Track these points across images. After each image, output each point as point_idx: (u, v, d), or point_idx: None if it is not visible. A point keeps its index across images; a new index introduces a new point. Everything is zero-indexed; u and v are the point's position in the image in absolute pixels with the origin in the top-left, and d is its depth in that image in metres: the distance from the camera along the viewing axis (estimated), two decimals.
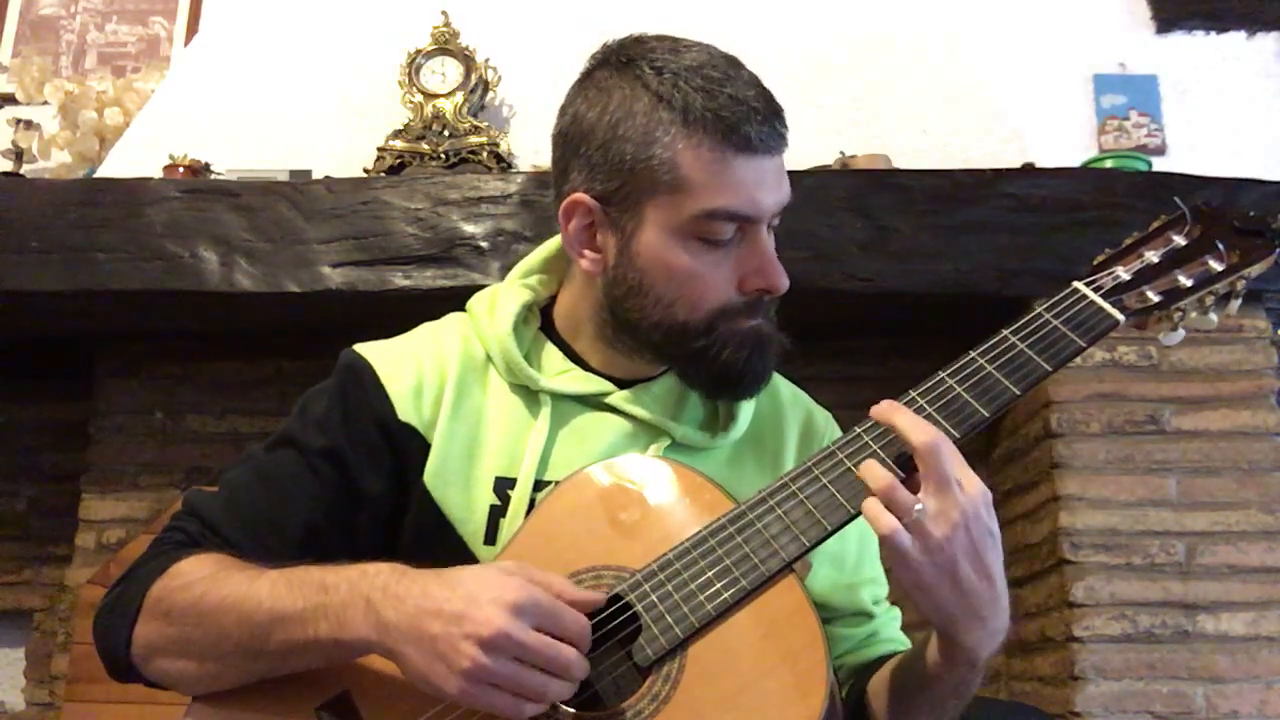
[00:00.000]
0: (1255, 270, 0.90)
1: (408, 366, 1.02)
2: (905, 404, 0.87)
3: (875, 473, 0.82)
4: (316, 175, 2.43)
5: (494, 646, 0.76)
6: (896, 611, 1.10)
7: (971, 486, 0.80)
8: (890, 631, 1.07)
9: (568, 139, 0.99)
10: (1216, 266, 0.89)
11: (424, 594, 0.80)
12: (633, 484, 0.92)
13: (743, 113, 0.91)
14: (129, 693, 0.95)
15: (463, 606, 0.77)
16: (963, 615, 0.81)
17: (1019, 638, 2.31)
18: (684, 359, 0.98)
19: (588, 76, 0.99)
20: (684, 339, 0.96)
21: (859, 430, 0.88)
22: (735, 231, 0.94)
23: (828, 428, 1.12)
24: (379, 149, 2.53)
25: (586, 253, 0.99)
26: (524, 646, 0.76)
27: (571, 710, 0.82)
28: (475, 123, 2.55)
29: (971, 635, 0.82)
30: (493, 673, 0.76)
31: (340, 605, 0.82)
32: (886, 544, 0.79)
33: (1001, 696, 2.34)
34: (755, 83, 0.95)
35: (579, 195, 0.97)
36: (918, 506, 0.79)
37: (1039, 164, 2.35)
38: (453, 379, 1.02)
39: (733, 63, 0.96)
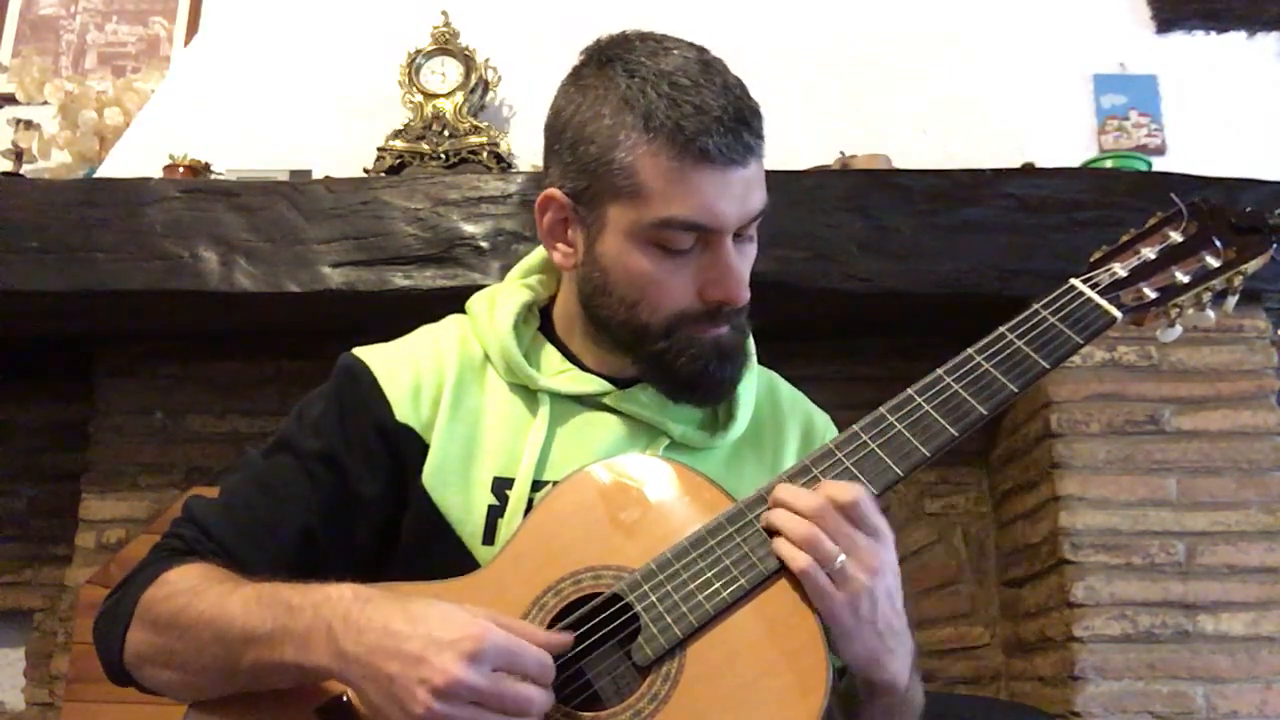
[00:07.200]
0: (1252, 266, 0.90)
1: (405, 368, 1.02)
2: (902, 401, 0.88)
3: (791, 525, 0.83)
4: (316, 175, 2.43)
5: (449, 694, 0.75)
6: None
7: (877, 531, 0.83)
8: None
9: (549, 134, 1.00)
10: (1213, 262, 0.90)
11: (384, 629, 0.79)
12: (632, 483, 0.92)
13: (704, 123, 0.89)
14: (129, 693, 0.96)
15: (421, 649, 0.76)
16: (881, 653, 0.84)
17: (1019, 638, 2.31)
18: (645, 360, 0.98)
19: (574, 73, 1.00)
20: (645, 340, 0.96)
21: (857, 429, 0.88)
22: (696, 240, 0.93)
23: (827, 431, 1.12)
24: (379, 149, 2.53)
25: (559, 246, 1.00)
26: (480, 692, 0.76)
27: (571, 710, 0.82)
28: (475, 123, 2.55)
29: (890, 669, 0.85)
30: (448, 718, 0.75)
31: (304, 630, 0.82)
32: (805, 582, 0.82)
33: (1001, 696, 2.34)
34: (729, 91, 0.92)
35: (553, 191, 0.98)
36: (841, 558, 0.81)
37: (1039, 164, 2.35)
38: (451, 379, 1.02)
39: (710, 68, 0.93)
